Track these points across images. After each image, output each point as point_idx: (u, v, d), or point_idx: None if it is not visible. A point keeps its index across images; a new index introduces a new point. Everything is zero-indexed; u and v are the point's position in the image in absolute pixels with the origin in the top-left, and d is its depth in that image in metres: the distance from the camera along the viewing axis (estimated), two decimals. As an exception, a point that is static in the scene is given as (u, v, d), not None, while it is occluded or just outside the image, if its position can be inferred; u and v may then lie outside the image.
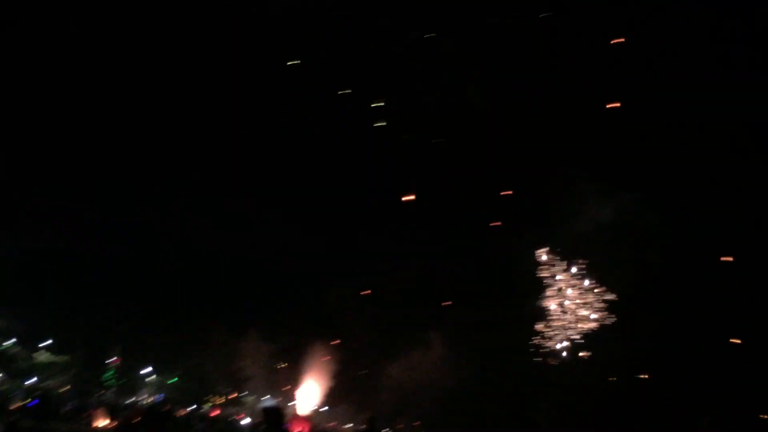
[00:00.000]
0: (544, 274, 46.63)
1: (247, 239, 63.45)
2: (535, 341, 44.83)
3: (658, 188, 39.35)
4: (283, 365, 56.60)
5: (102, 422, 30.53)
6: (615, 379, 41.20)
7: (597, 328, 43.03)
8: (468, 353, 45.09)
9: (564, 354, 43.87)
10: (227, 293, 60.12)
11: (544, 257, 47.14)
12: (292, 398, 54.41)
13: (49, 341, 48.22)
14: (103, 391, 49.64)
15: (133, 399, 52.51)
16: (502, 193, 45.64)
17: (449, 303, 48.49)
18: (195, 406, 51.34)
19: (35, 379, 46.61)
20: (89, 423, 31.38)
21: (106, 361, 53.63)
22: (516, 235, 46.88)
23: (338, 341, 51.25)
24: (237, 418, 38.77)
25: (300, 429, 23.94)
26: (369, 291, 51.31)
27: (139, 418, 23.58)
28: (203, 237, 63.13)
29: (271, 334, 55.36)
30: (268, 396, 55.57)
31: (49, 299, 47.57)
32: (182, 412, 38.74)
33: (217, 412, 50.89)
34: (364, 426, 13.90)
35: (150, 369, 55.30)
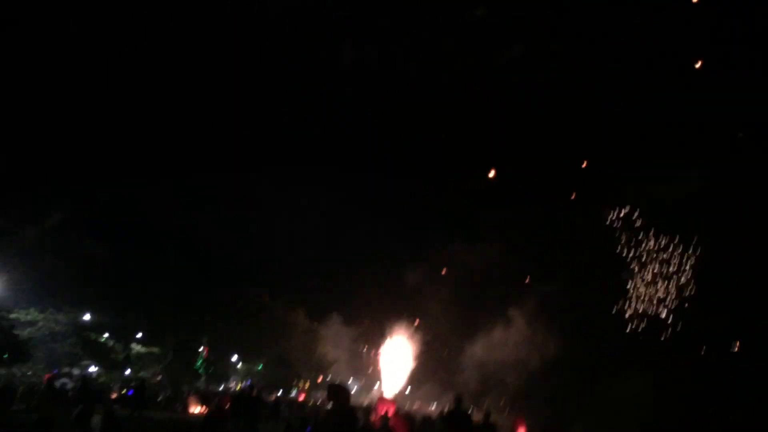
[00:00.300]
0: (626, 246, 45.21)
1: (322, 226, 64.51)
2: (622, 314, 43.42)
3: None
4: (365, 348, 57.21)
5: (195, 409, 31.51)
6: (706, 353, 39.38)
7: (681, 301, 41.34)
8: (551, 329, 44.08)
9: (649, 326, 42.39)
10: (307, 280, 61.15)
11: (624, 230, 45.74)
12: (376, 380, 54.96)
13: (141, 334, 49.86)
14: (194, 380, 51.23)
15: (223, 386, 54.20)
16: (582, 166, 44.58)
17: (528, 280, 47.68)
18: (281, 391, 52.42)
19: (129, 370, 48.41)
20: (184, 410, 32.42)
21: (197, 351, 55.38)
22: (594, 208, 45.63)
23: (417, 321, 51.09)
24: (322, 401, 39.27)
25: (385, 410, 23.81)
26: (445, 270, 50.88)
27: (230, 404, 24.26)
28: (281, 226, 64.65)
29: (352, 318, 56.00)
30: (352, 379, 56.37)
31: (139, 294, 49.30)
32: (270, 398, 39.56)
33: (303, 396, 51.83)
34: (450, 405, 13.44)
35: (236, 357, 56.85)
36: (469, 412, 13.21)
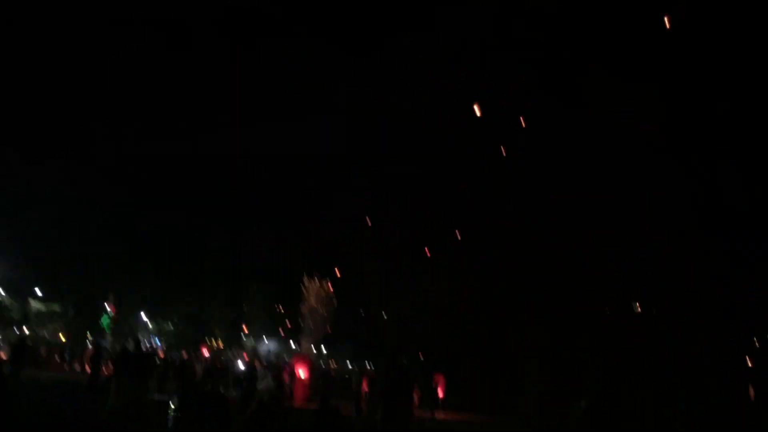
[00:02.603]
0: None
1: (239, 175, 61.64)
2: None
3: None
4: (281, 306, 55.44)
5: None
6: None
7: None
8: (473, 280, 43.20)
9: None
10: (222, 235, 58.59)
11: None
12: (291, 338, 53.45)
13: (39, 291, 46.77)
14: (100, 339, 48.42)
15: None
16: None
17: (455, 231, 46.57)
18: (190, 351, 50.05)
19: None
20: (83, 369, 30.10)
21: (103, 309, 52.32)
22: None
23: (338, 273, 49.61)
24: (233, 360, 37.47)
25: (300, 368, 22.38)
26: (368, 219, 49.29)
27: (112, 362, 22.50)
28: (194, 178, 61.36)
29: (269, 275, 53.84)
30: (265, 337, 54.69)
31: (36, 248, 45.89)
32: (182, 357, 37.44)
33: (206, 352, 49.47)
34: (385, 363, 12.35)
35: (145, 315, 54.16)
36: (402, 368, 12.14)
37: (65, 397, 16.27)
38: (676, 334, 31.88)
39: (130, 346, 14.73)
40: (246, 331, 56.17)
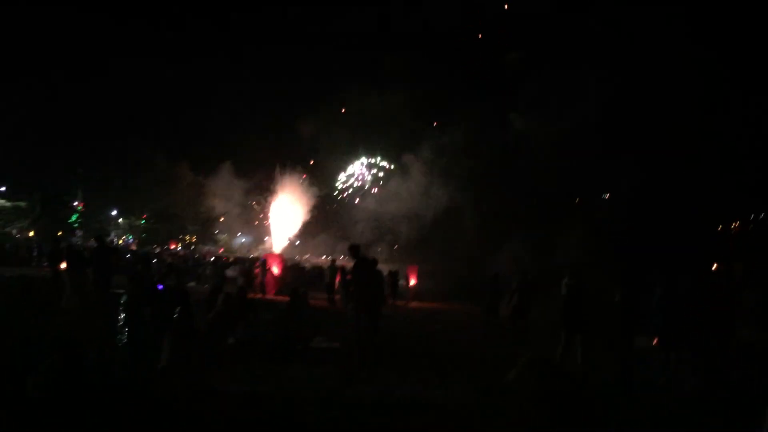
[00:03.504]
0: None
1: (208, 69, 59.56)
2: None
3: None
4: (255, 201, 54.97)
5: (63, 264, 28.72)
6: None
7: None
8: (446, 180, 43.06)
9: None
10: (192, 130, 57.21)
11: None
12: (265, 233, 53.37)
13: (4, 188, 45.61)
14: (69, 236, 47.87)
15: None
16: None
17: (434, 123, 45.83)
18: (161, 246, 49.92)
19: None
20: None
21: (71, 205, 51.54)
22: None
23: (305, 175, 49.06)
24: (204, 255, 37.25)
25: (273, 264, 22.20)
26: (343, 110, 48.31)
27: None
28: (162, 68, 59.12)
29: (243, 170, 52.97)
30: (241, 233, 54.53)
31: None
32: (153, 252, 37.22)
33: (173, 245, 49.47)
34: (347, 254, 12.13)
35: (116, 212, 53.51)
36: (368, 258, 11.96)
37: (28, 292, 15.95)
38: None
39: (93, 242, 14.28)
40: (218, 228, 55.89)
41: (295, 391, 7.43)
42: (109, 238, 46.74)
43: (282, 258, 24.49)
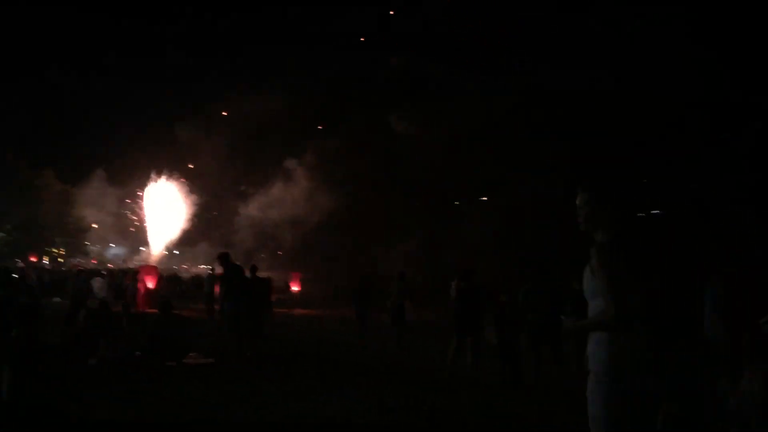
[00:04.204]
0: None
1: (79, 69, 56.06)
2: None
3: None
4: (129, 211, 52.28)
5: None
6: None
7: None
8: (330, 185, 42.62)
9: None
10: (59, 136, 53.62)
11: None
12: (141, 243, 50.87)
13: None
14: None
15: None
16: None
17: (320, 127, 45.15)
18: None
19: None
20: None
21: None
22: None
23: (185, 181, 47.23)
24: (76, 267, 34.66)
25: (147, 278, 20.72)
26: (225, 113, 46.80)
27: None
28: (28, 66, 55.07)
29: (114, 176, 50.11)
30: (114, 245, 51.63)
31: None
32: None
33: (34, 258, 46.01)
34: (216, 263, 11.47)
35: (-28, 223, 49.14)
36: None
37: None
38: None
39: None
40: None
41: (161, 416, 6.74)
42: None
43: (156, 269, 23.12)
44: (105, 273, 25.47)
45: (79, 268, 28.90)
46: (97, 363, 9.46)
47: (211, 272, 19.93)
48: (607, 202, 3.01)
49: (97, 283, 19.90)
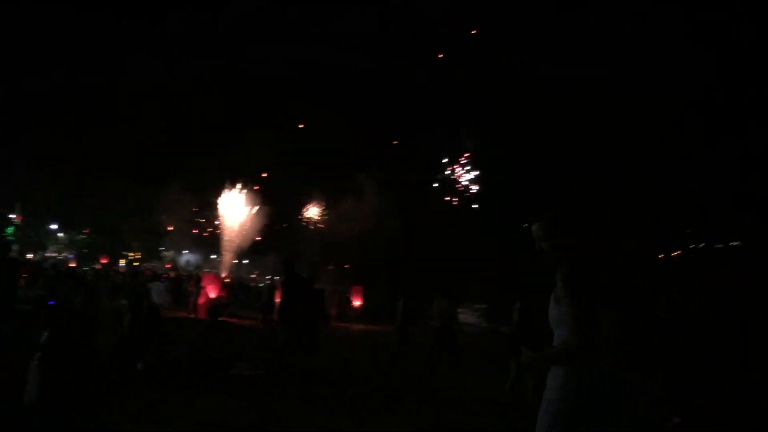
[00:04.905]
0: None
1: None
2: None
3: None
4: (202, 219, 53.22)
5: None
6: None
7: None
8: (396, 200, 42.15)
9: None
10: (141, 144, 55.34)
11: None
12: (213, 251, 51.62)
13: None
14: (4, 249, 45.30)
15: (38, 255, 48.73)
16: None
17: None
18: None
19: None
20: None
21: (7, 217, 49.09)
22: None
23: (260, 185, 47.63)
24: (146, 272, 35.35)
25: (209, 287, 20.54)
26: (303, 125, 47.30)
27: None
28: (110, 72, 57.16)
29: (190, 185, 51.22)
30: (187, 252, 52.65)
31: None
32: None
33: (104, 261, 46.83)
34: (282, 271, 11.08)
35: (56, 225, 51.12)
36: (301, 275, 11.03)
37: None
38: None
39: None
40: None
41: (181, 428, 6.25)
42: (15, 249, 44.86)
43: (218, 277, 23.08)
44: (166, 277, 25.68)
45: (147, 272, 29.38)
46: (144, 368, 9.15)
47: (270, 281, 19.69)
48: (560, 230, 2.96)
49: (155, 288, 19.96)
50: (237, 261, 50.54)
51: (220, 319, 10.39)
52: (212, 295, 19.82)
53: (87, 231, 50.98)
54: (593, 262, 2.87)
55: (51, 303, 9.42)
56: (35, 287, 19.83)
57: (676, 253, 36.11)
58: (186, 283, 23.66)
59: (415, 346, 13.04)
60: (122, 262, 51.36)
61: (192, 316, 18.86)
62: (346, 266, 45.65)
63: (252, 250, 49.42)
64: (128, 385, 8.06)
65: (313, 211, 49.68)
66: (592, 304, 2.71)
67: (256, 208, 49.50)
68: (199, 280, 20.96)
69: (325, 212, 50.87)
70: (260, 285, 22.24)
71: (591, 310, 2.70)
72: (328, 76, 50.52)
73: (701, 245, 32.96)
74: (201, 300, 19.32)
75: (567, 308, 2.73)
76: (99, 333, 9.41)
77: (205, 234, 53.34)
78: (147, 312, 9.84)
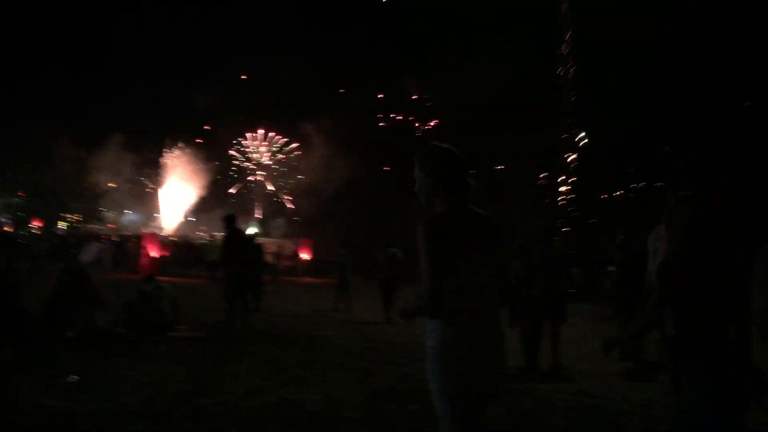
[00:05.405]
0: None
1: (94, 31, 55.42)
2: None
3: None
4: (145, 176, 51.69)
5: None
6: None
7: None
8: (349, 152, 41.45)
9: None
10: (76, 98, 53.09)
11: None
12: (156, 210, 50.35)
13: None
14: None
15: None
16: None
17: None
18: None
19: None
20: None
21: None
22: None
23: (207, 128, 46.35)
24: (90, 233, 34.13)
25: (150, 246, 19.77)
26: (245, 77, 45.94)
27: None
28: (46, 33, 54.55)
29: (131, 142, 49.45)
30: (129, 211, 51.11)
31: None
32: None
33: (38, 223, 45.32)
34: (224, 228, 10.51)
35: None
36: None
37: None
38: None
39: None
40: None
41: (123, 401, 5.76)
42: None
43: (158, 236, 22.33)
44: (107, 239, 24.80)
45: (70, 232, 28.35)
46: (75, 336, 8.59)
47: (211, 237, 19.16)
48: (435, 171, 2.74)
49: (92, 248, 19.16)
50: (184, 219, 49.44)
51: (161, 278, 9.85)
52: (154, 254, 19.15)
53: (23, 194, 48.86)
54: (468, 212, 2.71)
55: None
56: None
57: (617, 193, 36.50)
58: (127, 244, 22.86)
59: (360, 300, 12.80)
60: (62, 225, 49.59)
61: (134, 277, 18.22)
62: (294, 218, 45.10)
63: (199, 207, 48.35)
64: (56, 354, 7.51)
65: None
66: (451, 261, 2.55)
67: (200, 164, 48.41)
68: (139, 239, 20.22)
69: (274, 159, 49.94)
70: (205, 242, 21.55)
71: (446, 264, 2.54)
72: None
73: (641, 184, 33.35)
74: (143, 260, 18.66)
75: (422, 261, 2.55)
76: (27, 299, 8.86)
77: (147, 191, 51.96)
78: (74, 276, 9.22)
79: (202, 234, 43.61)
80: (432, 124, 41.02)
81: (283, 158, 49.22)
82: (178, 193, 48.75)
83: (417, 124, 42.01)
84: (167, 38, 56.82)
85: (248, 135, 51.02)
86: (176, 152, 48.64)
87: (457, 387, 2.55)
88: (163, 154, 49.40)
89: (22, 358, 6.83)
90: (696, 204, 2.79)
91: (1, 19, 51.56)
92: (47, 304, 8.80)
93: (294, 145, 47.21)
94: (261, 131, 50.70)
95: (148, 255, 18.65)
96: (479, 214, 2.73)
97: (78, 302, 8.90)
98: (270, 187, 50.54)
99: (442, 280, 2.53)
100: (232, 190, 51.45)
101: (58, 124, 50.51)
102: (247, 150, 51.77)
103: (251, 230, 12.74)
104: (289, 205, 46.42)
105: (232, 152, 51.91)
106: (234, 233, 10.23)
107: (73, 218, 51.74)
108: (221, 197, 49.63)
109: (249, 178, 51.83)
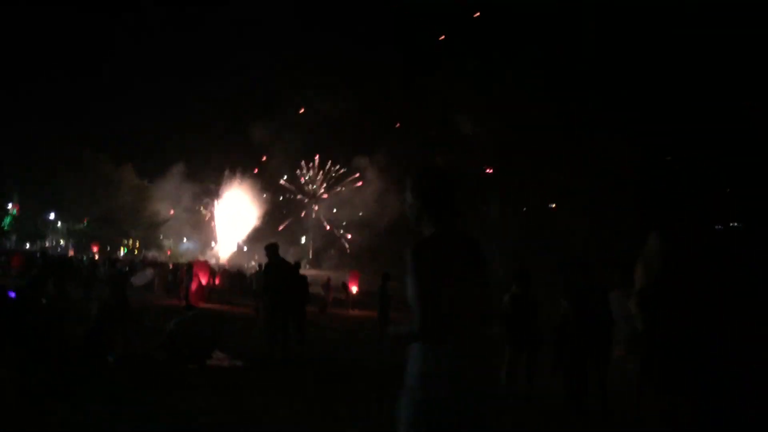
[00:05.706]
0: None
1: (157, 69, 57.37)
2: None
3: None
4: (203, 206, 52.80)
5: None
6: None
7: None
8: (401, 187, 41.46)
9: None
10: (138, 135, 54.89)
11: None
12: (213, 239, 51.25)
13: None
14: (2, 239, 45.03)
15: (37, 246, 48.28)
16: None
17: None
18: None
19: None
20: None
21: (5, 208, 48.69)
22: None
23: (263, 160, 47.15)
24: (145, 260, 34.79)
25: (200, 273, 19.85)
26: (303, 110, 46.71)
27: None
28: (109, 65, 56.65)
29: (191, 173, 50.77)
30: (185, 239, 52.20)
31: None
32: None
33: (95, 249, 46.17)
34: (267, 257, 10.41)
35: (53, 215, 50.67)
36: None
37: None
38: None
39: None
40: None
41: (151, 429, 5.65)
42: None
43: (208, 264, 22.58)
44: (158, 266, 25.18)
45: (114, 258, 28.91)
46: (115, 361, 8.58)
47: (259, 268, 19.19)
48: (424, 194, 2.71)
49: (146, 274, 19.39)
50: (237, 248, 50.18)
51: (208, 306, 9.81)
52: (203, 281, 19.28)
53: (86, 220, 50.45)
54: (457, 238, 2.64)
55: (11, 294, 8.62)
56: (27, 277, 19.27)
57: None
58: (179, 271, 23.16)
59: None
60: (122, 251, 50.94)
61: (183, 303, 18.39)
62: (347, 251, 45.17)
63: (253, 237, 49.00)
64: (97, 379, 7.49)
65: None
66: (437, 286, 2.47)
67: (256, 196, 49.16)
68: (190, 267, 20.43)
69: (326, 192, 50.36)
70: (255, 272, 21.68)
71: (433, 289, 2.47)
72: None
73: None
74: (193, 287, 18.81)
75: (410, 288, 2.51)
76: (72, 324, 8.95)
77: (205, 220, 53.03)
78: (116, 302, 9.26)
79: (254, 263, 44.16)
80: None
81: (339, 189, 49.52)
82: (234, 223, 49.56)
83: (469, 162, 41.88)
84: (224, 76, 58.23)
85: (303, 164, 51.79)
86: (234, 183, 49.56)
87: (428, 423, 2.44)
88: (221, 185, 50.41)
89: (57, 384, 6.82)
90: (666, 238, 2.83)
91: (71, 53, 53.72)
92: (91, 329, 8.86)
93: (354, 176, 47.50)
94: (317, 158, 51.39)
95: (199, 282, 18.78)
96: (467, 239, 2.66)
97: (120, 327, 8.95)
98: (323, 220, 50.94)
99: (432, 304, 2.45)
100: (285, 222, 52.14)
101: (122, 152, 52.24)
102: (303, 180, 52.51)
103: (296, 260, 12.57)
104: (343, 239, 46.49)
105: (285, 183, 52.61)
106: (275, 262, 10.10)
107: (130, 245, 53.11)
108: (275, 227, 50.19)
109: (303, 209, 52.40)
